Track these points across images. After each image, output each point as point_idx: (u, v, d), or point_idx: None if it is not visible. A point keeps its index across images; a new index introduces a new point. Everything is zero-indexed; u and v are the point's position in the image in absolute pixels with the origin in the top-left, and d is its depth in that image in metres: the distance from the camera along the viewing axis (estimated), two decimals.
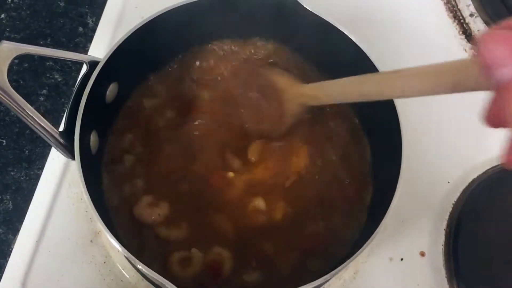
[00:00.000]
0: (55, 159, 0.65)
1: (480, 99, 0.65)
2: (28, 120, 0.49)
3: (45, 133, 0.49)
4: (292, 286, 0.44)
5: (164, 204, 0.56)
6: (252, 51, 0.66)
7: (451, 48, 0.77)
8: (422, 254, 0.64)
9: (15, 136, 0.68)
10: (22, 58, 0.71)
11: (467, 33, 0.77)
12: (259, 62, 0.65)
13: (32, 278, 0.60)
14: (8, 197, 0.65)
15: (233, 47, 0.66)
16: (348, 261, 0.47)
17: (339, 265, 0.47)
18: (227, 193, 0.58)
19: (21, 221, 0.62)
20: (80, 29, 0.75)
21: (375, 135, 0.61)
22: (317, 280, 0.46)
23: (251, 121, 0.61)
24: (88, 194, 0.47)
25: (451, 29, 0.78)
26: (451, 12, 0.79)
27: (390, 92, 0.46)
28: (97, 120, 0.54)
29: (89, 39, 0.73)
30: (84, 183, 0.48)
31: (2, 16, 0.75)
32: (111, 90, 0.56)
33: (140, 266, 0.46)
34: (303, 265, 0.54)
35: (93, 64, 0.52)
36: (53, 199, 0.63)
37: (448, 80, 0.38)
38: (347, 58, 0.58)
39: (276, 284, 0.54)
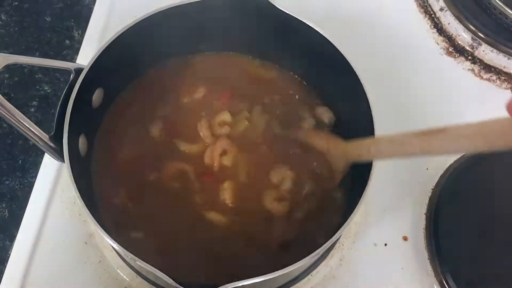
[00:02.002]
0: (48, 167, 0.67)
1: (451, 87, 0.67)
2: (19, 127, 0.51)
3: (36, 138, 0.52)
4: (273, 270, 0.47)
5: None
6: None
7: (424, 42, 0.81)
8: (405, 238, 0.66)
9: (8, 147, 0.71)
10: (12, 72, 0.74)
11: (438, 27, 0.81)
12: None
13: (30, 282, 0.62)
14: (3, 205, 0.68)
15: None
16: (327, 243, 0.49)
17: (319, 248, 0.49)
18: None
19: (17, 228, 0.64)
20: (67, 42, 0.79)
21: (349, 124, 0.63)
22: (296, 263, 0.48)
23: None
24: (78, 192, 0.50)
25: (423, 24, 0.82)
26: (422, 7, 0.83)
27: (436, 152, 0.48)
28: (85, 124, 0.57)
29: (76, 51, 0.76)
30: (74, 182, 0.50)
31: None
32: (97, 95, 0.59)
33: (139, 262, 0.48)
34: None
35: (78, 71, 0.55)
36: (47, 204, 0.65)
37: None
38: (321, 57, 0.61)
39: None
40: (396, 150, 0.52)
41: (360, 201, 0.52)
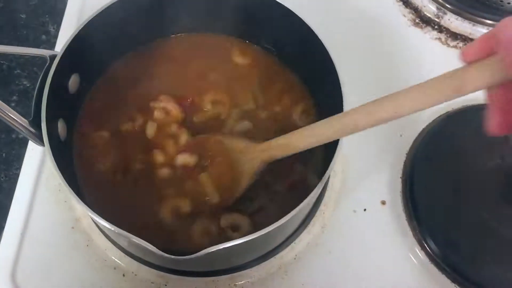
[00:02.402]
0: (32, 157, 0.69)
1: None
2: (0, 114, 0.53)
3: (15, 124, 0.54)
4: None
5: None
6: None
7: (391, 15, 0.83)
8: (383, 203, 0.69)
9: None
10: None
11: (404, 0, 0.83)
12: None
13: (20, 269, 0.63)
14: None
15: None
16: (304, 202, 0.51)
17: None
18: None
19: (5, 218, 0.65)
20: (43, 37, 0.80)
21: (318, 93, 0.66)
22: (274, 223, 0.49)
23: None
24: (59, 171, 0.51)
25: None
26: None
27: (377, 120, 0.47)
28: (63, 108, 0.59)
29: (53, 45, 0.78)
30: (54, 162, 0.51)
31: None
32: (73, 81, 0.60)
33: (126, 235, 0.49)
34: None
35: (53, 58, 0.57)
36: (33, 193, 0.67)
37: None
38: (294, 36, 0.63)
39: None
40: (340, 128, 0.51)
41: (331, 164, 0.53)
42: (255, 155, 0.58)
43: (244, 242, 0.49)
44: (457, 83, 0.41)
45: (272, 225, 0.49)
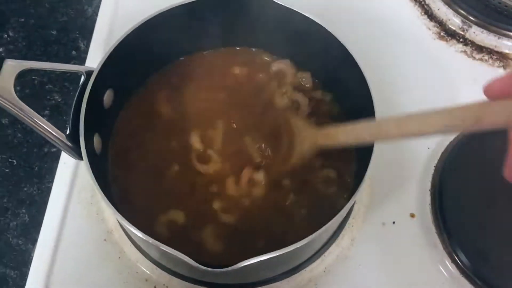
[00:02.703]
0: (64, 171, 0.70)
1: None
2: (37, 128, 0.54)
3: (53, 138, 0.55)
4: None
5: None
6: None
7: (416, 28, 0.84)
8: (412, 215, 0.69)
9: (24, 156, 0.74)
10: (23, 84, 0.77)
11: (428, 13, 0.84)
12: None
13: (53, 281, 0.64)
14: (23, 210, 0.70)
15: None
16: (333, 219, 0.52)
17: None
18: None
19: (38, 231, 0.66)
20: (74, 52, 0.82)
21: (349, 107, 0.66)
22: (305, 239, 0.50)
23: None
24: (98, 186, 0.52)
25: (414, 11, 0.85)
26: None
27: (413, 133, 0.49)
28: (98, 123, 0.60)
29: (83, 60, 0.79)
30: (93, 176, 0.53)
31: (1, 49, 0.82)
32: (108, 96, 0.62)
33: (163, 248, 0.50)
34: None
35: (89, 73, 0.58)
36: (65, 206, 0.68)
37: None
38: (319, 46, 0.64)
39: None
40: (374, 132, 0.53)
41: (362, 181, 0.54)
42: (306, 135, 0.60)
43: (276, 256, 0.49)
44: (477, 115, 0.41)
45: (303, 240, 0.50)
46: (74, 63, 0.81)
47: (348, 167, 0.64)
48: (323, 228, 0.51)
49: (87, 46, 0.80)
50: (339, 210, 0.52)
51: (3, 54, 0.81)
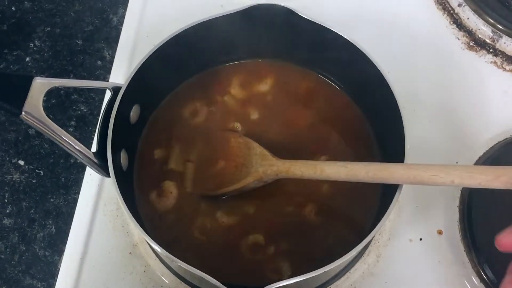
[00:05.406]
0: (89, 183, 0.70)
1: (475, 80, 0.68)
2: (65, 146, 0.54)
3: (80, 155, 0.55)
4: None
5: None
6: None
7: (445, 38, 0.82)
8: (440, 232, 0.67)
9: (51, 167, 0.75)
10: (49, 95, 0.78)
11: (457, 23, 0.82)
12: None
13: None
14: (50, 222, 0.71)
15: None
16: (364, 241, 0.51)
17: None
18: None
19: (64, 243, 0.67)
20: (99, 62, 0.82)
21: (378, 125, 0.65)
22: (331, 264, 0.50)
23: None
24: (125, 204, 0.53)
25: (442, 20, 0.83)
26: (440, 4, 0.84)
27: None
28: (125, 139, 0.60)
29: (108, 70, 0.80)
30: (120, 195, 0.53)
31: (27, 59, 0.82)
32: (134, 112, 0.62)
33: (182, 264, 0.50)
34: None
35: (116, 90, 0.58)
36: (91, 218, 0.68)
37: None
38: (346, 59, 0.63)
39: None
40: (341, 172, 0.55)
41: (392, 202, 0.53)
42: (273, 163, 0.59)
43: (304, 279, 0.49)
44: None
45: (332, 263, 0.50)
46: (100, 73, 0.81)
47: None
48: (353, 250, 0.50)
49: (112, 56, 0.80)
50: (368, 232, 0.52)
51: (29, 64, 0.82)
